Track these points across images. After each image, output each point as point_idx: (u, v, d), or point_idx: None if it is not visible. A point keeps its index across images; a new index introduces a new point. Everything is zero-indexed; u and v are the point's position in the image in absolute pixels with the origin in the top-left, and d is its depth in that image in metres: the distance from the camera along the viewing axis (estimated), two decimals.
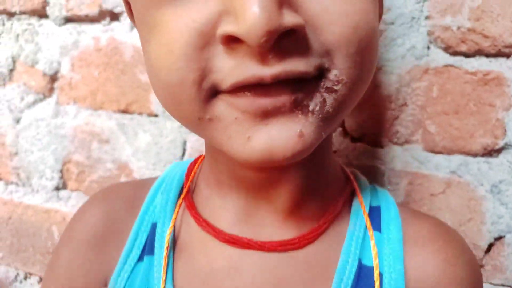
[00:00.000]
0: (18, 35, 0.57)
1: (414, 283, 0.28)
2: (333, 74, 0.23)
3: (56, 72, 0.56)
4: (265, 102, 0.22)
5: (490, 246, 0.40)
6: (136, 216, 0.33)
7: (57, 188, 0.55)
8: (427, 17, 0.41)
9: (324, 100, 0.23)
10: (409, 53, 0.42)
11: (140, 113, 0.51)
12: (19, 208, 0.56)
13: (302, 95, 0.23)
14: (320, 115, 0.23)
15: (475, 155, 0.40)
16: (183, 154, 0.50)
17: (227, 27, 0.21)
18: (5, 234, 0.57)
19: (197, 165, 0.35)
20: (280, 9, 0.20)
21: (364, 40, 0.23)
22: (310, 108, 0.23)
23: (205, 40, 0.22)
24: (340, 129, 0.44)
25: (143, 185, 0.36)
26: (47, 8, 0.54)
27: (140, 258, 0.32)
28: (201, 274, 0.30)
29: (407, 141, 0.42)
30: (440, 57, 0.41)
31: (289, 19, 0.20)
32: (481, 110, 0.40)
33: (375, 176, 0.43)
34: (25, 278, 0.58)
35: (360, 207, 0.31)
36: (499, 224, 0.39)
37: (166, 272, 0.29)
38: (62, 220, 0.54)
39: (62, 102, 0.55)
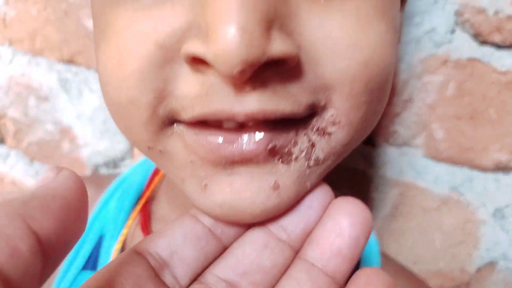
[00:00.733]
0: None
1: None
2: (329, 114, 0.17)
3: None
4: (232, 151, 0.17)
5: (479, 268, 0.35)
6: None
7: None
8: None
9: (313, 145, 0.17)
10: (427, 36, 0.33)
11: (88, 67, 0.41)
12: None
13: (283, 141, 0.17)
14: (306, 163, 0.17)
15: (483, 170, 0.33)
16: None
17: (193, 46, 0.15)
18: None
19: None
20: (268, 31, 0.14)
21: (375, 79, 0.17)
22: (294, 155, 0.17)
23: (167, 55, 0.16)
24: None
25: (99, 184, 0.31)
26: None
27: (84, 268, 0.28)
28: None
29: (405, 144, 0.35)
30: (465, 47, 0.32)
31: (278, 46, 0.15)
32: (503, 119, 0.32)
33: (360, 181, 0.36)
34: None
35: None
36: (494, 251, 0.34)
37: None
38: (0, 180, 0.47)
39: None
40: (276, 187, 0.17)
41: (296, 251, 0.18)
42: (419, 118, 0.34)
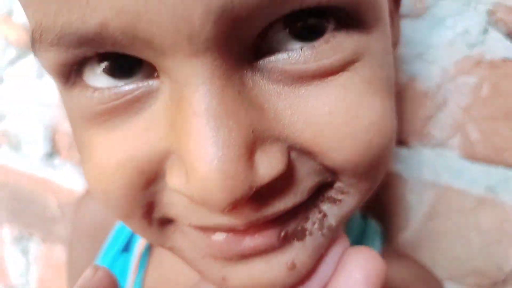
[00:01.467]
0: None
1: None
2: (337, 185, 0.16)
3: None
4: (243, 245, 0.16)
5: None
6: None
7: (50, 156, 0.50)
8: None
9: (324, 215, 0.16)
10: (459, 38, 0.32)
11: None
12: (13, 174, 0.52)
13: (296, 223, 0.16)
14: (320, 233, 0.17)
15: None
16: None
17: (176, 183, 0.14)
18: (4, 197, 0.54)
19: None
20: (249, 162, 0.13)
21: (379, 155, 0.16)
22: (307, 231, 0.16)
23: (149, 178, 0.15)
24: None
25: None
26: None
27: (120, 253, 0.31)
28: (167, 282, 0.29)
29: (440, 145, 0.35)
30: (499, 47, 0.31)
31: (265, 172, 0.14)
32: None
33: (395, 184, 0.36)
34: (30, 235, 0.56)
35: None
36: None
37: (137, 274, 0.29)
38: (57, 189, 0.50)
39: None
40: (292, 267, 0.16)
41: None
42: (454, 120, 0.34)
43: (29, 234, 0.55)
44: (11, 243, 0.57)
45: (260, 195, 0.14)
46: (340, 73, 0.14)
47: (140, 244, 0.30)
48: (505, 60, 0.32)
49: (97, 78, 0.15)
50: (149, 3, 0.12)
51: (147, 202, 0.16)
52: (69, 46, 0.14)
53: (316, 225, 0.16)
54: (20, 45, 0.48)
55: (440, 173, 0.35)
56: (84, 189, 0.38)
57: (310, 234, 0.16)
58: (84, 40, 0.13)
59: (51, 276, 0.55)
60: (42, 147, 0.49)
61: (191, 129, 0.13)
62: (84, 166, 0.17)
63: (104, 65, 0.15)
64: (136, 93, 0.15)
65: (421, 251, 0.36)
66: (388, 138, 0.16)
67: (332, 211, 0.17)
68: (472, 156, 0.34)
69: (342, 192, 0.16)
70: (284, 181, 0.15)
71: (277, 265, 0.16)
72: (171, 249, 0.18)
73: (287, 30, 0.14)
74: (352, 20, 0.14)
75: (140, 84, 0.15)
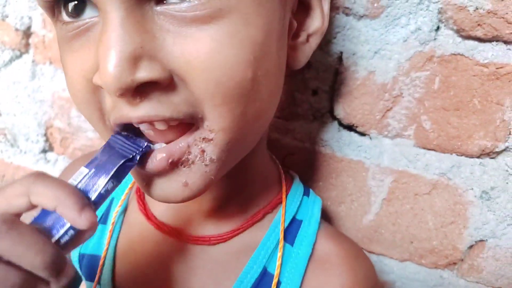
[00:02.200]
0: None
1: (311, 286, 0.29)
2: (205, 125, 0.23)
3: (29, 28, 0.49)
4: (147, 172, 0.24)
5: (471, 246, 0.37)
6: None
7: (44, 151, 0.52)
8: None
9: (203, 150, 0.23)
10: (413, 36, 0.34)
11: None
12: (10, 168, 0.54)
13: (178, 154, 0.23)
14: (203, 163, 0.23)
15: (470, 156, 0.35)
16: None
17: (95, 78, 0.21)
18: None
19: None
20: (135, 64, 0.20)
21: (231, 92, 0.21)
22: (190, 161, 0.23)
23: (94, 85, 0.22)
24: (328, 115, 0.39)
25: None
26: None
27: (99, 223, 0.34)
28: (135, 246, 0.33)
29: (398, 135, 0.37)
30: (449, 43, 0.33)
31: (143, 73, 0.20)
32: (486, 108, 0.34)
33: (358, 171, 0.38)
34: None
35: (280, 219, 0.31)
36: (483, 229, 0.36)
37: (110, 239, 0.33)
38: None
39: (38, 61, 0.49)
40: (185, 184, 0.23)
41: None
42: (409, 111, 0.36)
43: None
44: None
45: (148, 96, 0.21)
46: (211, 24, 0.20)
47: (113, 216, 0.34)
48: (455, 55, 0.34)
49: (65, 15, 0.23)
50: None
51: (98, 107, 0.23)
52: None
53: (198, 158, 0.23)
54: (14, 47, 0.50)
55: (398, 160, 0.37)
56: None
57: (193, 163, 0.23)
58: None
59: None
60: (36, 143, 0.52)
61: (102, 41, 0.20)
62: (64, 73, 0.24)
63: (69, 6, 0.23)
64: (86, 25, 0.22)
65: (382, 234, 0.39)
66: (237, 82, 0.21)
67: (209, 148, 0.23)
68: (426, 144, 0.36)
69: (211, 131, 0.22)
70: (163, 92, 0.21)
71: (174, 183, 0.23)
72: None
73: None
74: None
75: (88, 20, 0.22)
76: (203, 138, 0.23)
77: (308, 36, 0.28)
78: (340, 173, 0.39)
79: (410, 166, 0.37)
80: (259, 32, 0.22)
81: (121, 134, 0.24)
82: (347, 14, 0.35)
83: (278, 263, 0.29)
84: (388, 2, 0.34)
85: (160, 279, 0.30)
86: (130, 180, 0.35)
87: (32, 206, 0.21)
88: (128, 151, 0.23)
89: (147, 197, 0.33)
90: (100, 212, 0.35)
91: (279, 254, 0.29)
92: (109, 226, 0.33)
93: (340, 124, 0.38)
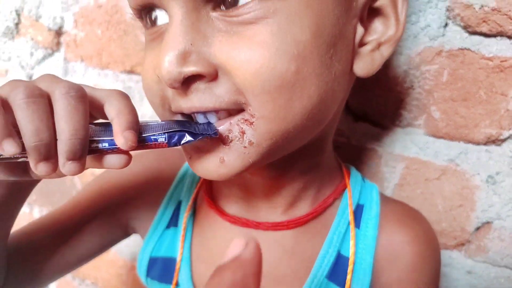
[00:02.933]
0: None
1: (381, 261, 0.31)
2: (248, 109, 0.24)
3: (60, 27, 0.52)
4: (195, 144, 0.26)
5: (478, 228, 0.39)
6: (163, 184, 0.37)
7: None
8: None
9: (243, 132, 0.25)
10: (422, 32, 0.37)
11: None
12: None
13: (223, 129, 0.25)
14: (242, 144, 0.25)
15: (477, 143, 0.37)
16: None
17: (158, 71, 0.24)
18: None
19: None
20: (184, 60, 0.23)
21: (268, 83, 0.23)
22: (230, 139, 0.25)
23: (158, 77, 0.25)
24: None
25: (166, 159, 0.39)
26: None
27: (167, 227, 0.36)
28: (209, 245, 0.34)
29: (409, 125, 0.39)
30: (456, 38, 0.36)
31: (189, 68, 0.23)
32: (492, 99, 0.36)
33: (372, 158, 0.41)
34: None
35: (348, 204, 0.32)
36: (489, 212, 0.38)
37: (184, 242, 0.35)
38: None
39: (69, 59, 0.53)
40: (222, 160, 0.25)
41: None
42: (419, 102, 0.38)
43: None
44: None
45: (196, 89, 0.24)
46: (256, 24, 0.23)
47: (184, 219, 0.35)
48: (462, 49, 0.36)
49: (147, 22, 0.28)
50: None
51: (160, 94, 0.26)
52: (134, 3, 0.27)
53: (237, 138, 0.25)
54: (47, 46, 0.53)
55: (409, 148, 0.39)
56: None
57: (232, 142, 0.25)
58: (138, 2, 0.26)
59: None
60: None
61: (163, 40, 0.24)
62: None
63: (150, 15, 0.27)
64: (161, 30, 0.26)
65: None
66: (273, 75, 0.23)
67: (249, 131, 0.24)
68: (435, 133, 0.38)
69: (253, 116, 0.24)
70: (209, 84, 0.24)
71: (212, 158, 0.25)
72: None
73: None
74: None
75: (163, 26, 0.26)
76: (245, 120, 0.24)
77: (380, 44, 0.27)
78: (356, 160, 0.41)
79: (421, 153, 0.39)
80: (304, 31, 0.23)
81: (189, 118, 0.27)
82: None
83: (352, 246, 0.31)
84: None
85: None
86: (196, 184, 0.37)
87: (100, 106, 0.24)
88: (195, 129, 0.25)
89: (216, 197, 0.35)
90: (168, 215, 0.37)
91: (351, 236, 0.31)
92: (181, 229, 0.35)
93: (355, 115, 0.41)
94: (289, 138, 0.25)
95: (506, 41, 0.35)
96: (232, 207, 0.34)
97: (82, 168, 0.22)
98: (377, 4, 0.26)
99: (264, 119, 0.24)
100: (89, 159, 0.23)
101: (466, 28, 0.35)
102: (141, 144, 0.23)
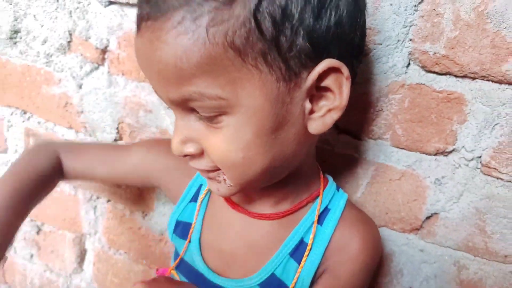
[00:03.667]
0: (71, 12, 0.63)
1: (332, 250, 0.42)
2: (222, 171, 0.38)
3: (106, 47, 0.63)
4: (203, 174, 0.41)
5: (428, 217, 0.51)
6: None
7: (115, 140, 0.67)
8: (410, 40, 0.46)
9: (224, 179, 0.38)
10: (390, 70, 0.48)
11: None
12: None
13: (213, 175, 0.39)
14: (226, 184, 0.39)
15: (428, 154, 0.49)
16: None
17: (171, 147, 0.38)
18: None
19: None
20: (183, 145, 0.37)
21: (226, 164, 0.36)
22: (218, 180, 0.39)
23: None
24: None
25: None
26: None
27: (190, 201, 0.50)
28: (218, 220, 0.47)
29: (379, 138, 0.51)
30: (416, 76, 0.47)
31: (187, 150, 0.37)
32: (440, 122, 0.47)
33: (351, 162, 0.53)
34: (97, 198, 0.74)
35: (316, 207, 0.44)
36: (436, 205, 0.50)
37: (198, 215, 0.48)
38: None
39: (112, 73, 0.64)
40: (218, 190, 0.40)
41: None
42: (387, 122, 0.50)
43: (97, 196, 0.74)
44: (84, 203, 0.75)
45: (195, 158, 0.38)
46: (220, 129, 0.35)
47: (200, 197, 0.48)
48: (420, 84, 0.47)
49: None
50: (158, 91, 0.36)
51: (183, 156, 0.39)
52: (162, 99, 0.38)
53: (222, 181, 0.39)
54: (93, 61, 0.64)
55: (378, 155, 0.51)
56: None
57: (220, 182, 0.39)
58: (164, 101, 0.37)
59: (113, 225, 0.73)
60: (110, 134, 0.67)
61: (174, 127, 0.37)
62: None
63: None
64: None
65: (366, 207, 0.53)
66: (233, 159, 0.35)
67: (227, 179, 0.38)
68: (398, 145, 0.50)
69: (224, 174, 0.38)
70: (199, 157, 0.38)
71: (213, 185, 0.40)
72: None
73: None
74: (222, 111, 0.34)
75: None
76: (223, 173, 0.38)
77: (330, 109, 0.35)
78: (338, 164, 0.53)
79: (387, 160, 0.51)
80: (247, 133, 0.34)
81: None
82: None
83: (311, 236, 0.42)
84: (374, 46, 0.47)
85: (231, 238, 0.45)
86: None
87: None
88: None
89: None
90: (192, 193, 0.50)
91: (313, 230, 0.42)
92: (197, 204, 0.48)
93: (339, 128, 0.52)
94: (260, 180, 0.38)
95: (452, 79, 0.46)
96: (236, 197, 0.46)
97: None
98: (323, 84, 0.34)
99: (231, 178, 0.38)
100: None
101: (423, 68, 0.47)
102: None
